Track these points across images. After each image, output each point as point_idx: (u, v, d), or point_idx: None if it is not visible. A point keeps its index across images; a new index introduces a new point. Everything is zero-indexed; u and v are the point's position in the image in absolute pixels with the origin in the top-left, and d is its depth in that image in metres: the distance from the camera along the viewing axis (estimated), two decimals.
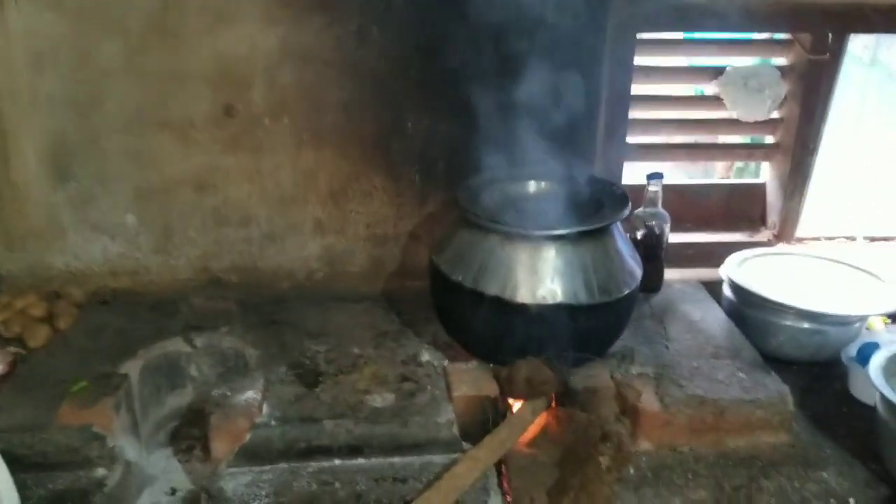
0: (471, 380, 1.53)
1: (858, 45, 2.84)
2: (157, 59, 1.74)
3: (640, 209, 1.89)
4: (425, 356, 1.65)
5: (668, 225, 1.90)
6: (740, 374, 1.57)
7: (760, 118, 2.15)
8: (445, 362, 1.61)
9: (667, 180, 1.91)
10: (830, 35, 2.04)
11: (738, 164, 2.78)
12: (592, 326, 1.49)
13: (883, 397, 1.38)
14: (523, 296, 1.45)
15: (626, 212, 1.54)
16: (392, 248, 1.97)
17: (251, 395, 1.47)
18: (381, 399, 1.50)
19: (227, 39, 1.74)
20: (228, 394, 1.46)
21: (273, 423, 1.42)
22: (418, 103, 1.85)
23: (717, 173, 2.92)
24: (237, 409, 1.42)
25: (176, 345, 1.67)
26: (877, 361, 1.43)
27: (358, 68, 1.80)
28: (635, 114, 2.07)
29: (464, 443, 1.44)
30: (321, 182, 1.89)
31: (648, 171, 1.91)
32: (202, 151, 1.82)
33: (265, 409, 1.45)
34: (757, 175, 2.56)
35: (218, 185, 1.86)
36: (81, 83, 1.74)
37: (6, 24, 1.69)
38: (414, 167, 1.90)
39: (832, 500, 1.36)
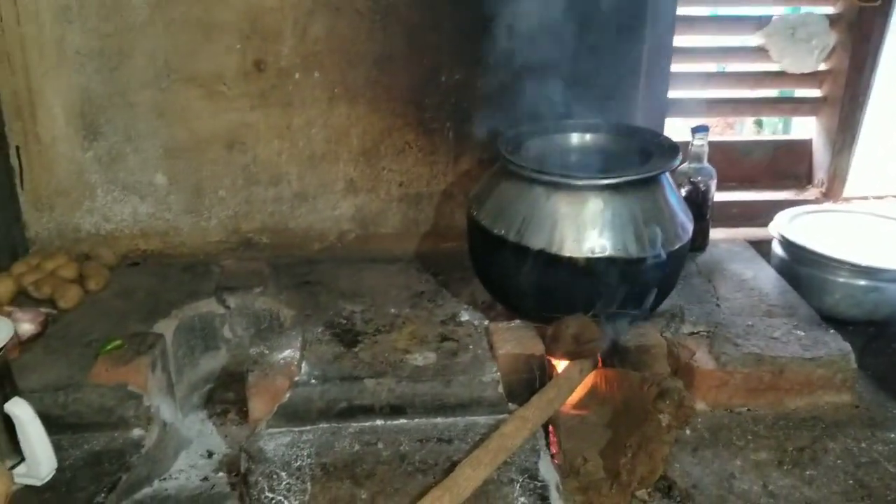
0: (515, 338, 1.47)
1: None
2: (185, 9, 1.68)
3: (685, 164, 1.81)
4: (465, 315, 1.60)
5: (715, 181, 1.82)
6: (798, 332, 1.50)
7: (808, 70, 2.07)
8: (487, 321, 1.56)
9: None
10: None
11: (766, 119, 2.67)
12: (642, 281, 1.42)
13: None
14: (570, 249, 1.38)
15: (678, 161, 1.47)
16: (425, 207, 1.92)
17: (289, 353, 1.42)
18: (422, 358, 1.45)
19: None
20: (266, 352, 1.42)
21: (313, 381, 1.37)
22: (453, 55, 1.78)
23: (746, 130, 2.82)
24: (275, 368, 1.38)
25: (209, 305, 1.63)
26: None
27: (391, 19, 1.74)
28: (677, 67, 1.99)
29: (510, 403, 1.38)
30: (353, 139, 1.83)
31: (690, 126, 1.83)
32: (231, 107, 1.77)
33: (304, 367, 1.41)
34: (787, 131, 2.48)
35: (247, 143, 1.80)
36: (108, 36, 1.68)
37: None
38: (448, 122, 1.84)
39: None
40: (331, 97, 1.79)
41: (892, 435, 1.36)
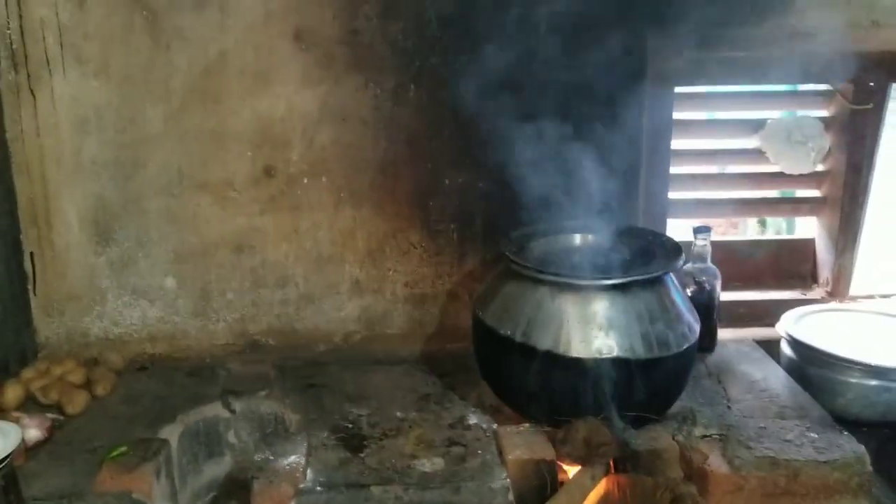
0: (524, 442, 1.45)
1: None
2: (198, 122, 1.75)
3: (689, 265, 1.82)
4: (472, 419, 1.58)
5: (720, 281, 1.83)
6: (811, 435, 1.47)
7: (805, 171, 2.10)
8: (495, 425, 1.54)
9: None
10: (872, 84, 2.00)
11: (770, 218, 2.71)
12: (651, 383, 1.41)
13: None
14: (577, 349, 1.39)
15: (682, 261, 1.49)
16: (431, 307, 1.92)
17: (294, 459, 1.40)
18: (429, 464, 1.42)
19: (267, 101, 1.76)
20: (271, 458, 1.39)
21: (318, 488, 1.34)
22: (455, 160, 1.83)
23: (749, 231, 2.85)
24: (280, 475, 1.35)
25: (214, 410, 1.62)
26: None
27: (395, 127, 1.80)
28: (676, 169, 2.03)
29: None
30: (359, 241, 1.86)
31: (692, 227, 1.86)
32: (241, 212, 1.81)
33: (309, 474, 1.38)
34: (791, 230, 2.51)
35: (256, 246, 1.84)
36: (124, 147, 1.75)
37: (53, 92, 1.71)
38: (452, 224, 1.87)
39: None
40: (337, 201, 1.83)
41: None
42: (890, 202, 2.15)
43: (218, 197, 1.79)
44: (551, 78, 1.75)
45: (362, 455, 1.45)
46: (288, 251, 1.85)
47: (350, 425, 1.56)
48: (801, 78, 2.05)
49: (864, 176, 2.08)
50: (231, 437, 1.63)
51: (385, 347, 1.92)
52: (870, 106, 2.02)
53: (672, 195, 2.03)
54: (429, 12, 1.74)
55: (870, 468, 1.40)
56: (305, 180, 1.82)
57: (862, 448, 1.43)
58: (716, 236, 1.92)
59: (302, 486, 1.35)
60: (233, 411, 1.63)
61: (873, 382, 1.66)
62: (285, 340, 1.90)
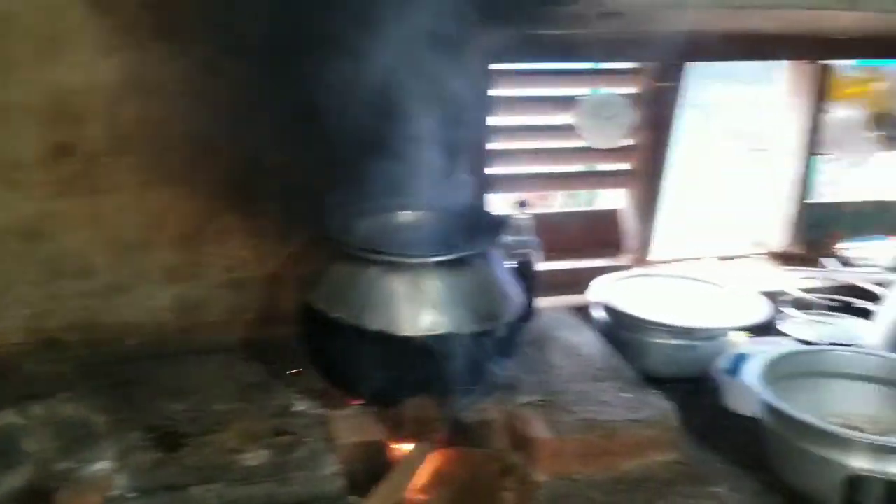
0: (355, 426, 1.43)
1: None
2: None
3: (510, 238, 1.87)
4: (300, 406, 1.53)
5: (539, 253, 1.90)
6: (624, 395, 1.57)
7: (614, 146, 2.22)
8: (324, 411, 1.50)
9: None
10: (673, 63, 2.14)
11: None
12: (480, 356, 1.43)
13: (766, 404, 1.42)
14: (408, 328, 1.39)
15: (505, 235, 1.52)
16: (253, 292, 1.83)
17: (102, 465, 1.29)
18: (255, 457, 1.36)
19: (61, 71, 1.58)
20: (75, 467, 1.28)
21: (131, 494, 1.25)
22: (277, 136, 1.74)
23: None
24: (87, 483, 1.24)
25: (7, 417, 1.44)
26: (754, 370, 1.47)
27: (209, 100, 1.68)
28: (496, 145, 2.08)
29: (352, 496, 1.32)
30: (171, 224, 1.73)
31: (514, 202, 1.91)
32: (31, 195, 1.62)
33: (120, 479, 1.28)
34: (591, 203, 2.67)
35: (51, 233, 1.65)
36: None
37: None
38: (274, 203, 1.79)
39: None
40: (145, 181, 1.69)
41: (717, 489, 1.43)
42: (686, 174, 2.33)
43: (2, 179, 1.59)
44: (372, 50, 1.71)
45: (180, 454, 1.36)
46: (89, 238, 1.69)
47: (166, 423, 1.46)
48: (610, 56, 2.16)
49: (664, 150, 2.24)
50: (30, 446, 1.47)
51: (204, 337, 1.80)
52: (671, 83, 2.17)
53: (492, 170, 2.07)
54: None
55: (677, 423, 1.51)
56: (108, 159, 1.66)
57: (669, 405, 1.54)
58: (534, 209, 1.99)
59: (113, 493, 1.24)
60: (30, 417, 1.46)
61: (676, 342, 1.80)
62: (90, 336, 1.73)
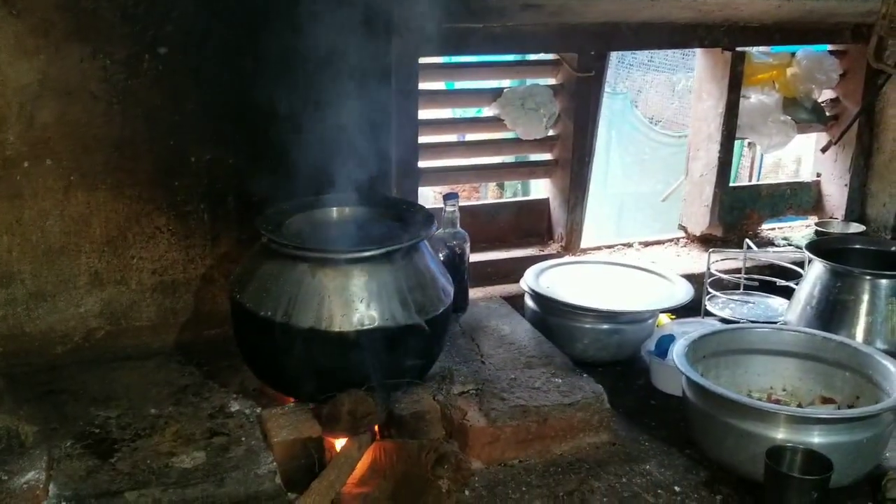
0: (290, 423, 1.43)
1: None
2: None
3: (440, 230, 1.90)
4: (235, 406, 1.53)
5: (469, 244, 1.93)
6: (556, 380, 1.61)
7: (539, 136, 2.27)
8: (259, 409, 1.50)
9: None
10: (593, 53, 2.19)
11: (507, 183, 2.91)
12: (412, 348, 1.46)
13: (690, 382, 1.48)
14: (339, 323, 1.39)
15: (434, 228, 1.54)
16: (183, 294, 1.81)
17: (32, 475, 1.26)
18: (189, 459, 1.36)
19: None
20: (5, 478, 1.24)
21: None
22: (202, 136, 1.72)
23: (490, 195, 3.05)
24: (16, 495, 1.21)
25: None
26: (678, 350, 1.53)
27: (130, 101, 1.65)
28: (424, 138, 2.09)
29: (289, 493, 1.33)
30: (96, 228, 1.70)
31: (442, 194, 1.93)
32: None
33: (52, 489, 1.26)
34: (526, 192, 2.71)
35: None
36: None
37: None
38: (201, 204, 1.77)
39: (659, 491, 1.43)
40: (67, 185, 1.65)
41: (647, 467, 1.49)
42: (603, 165, 2.39)
43: None
44: (298, 46, 1.71)
45: (113, 460, 1.34)
46: (10, 245, 1.64)
47: (97, 430, 1.44)
48: (533, 48, 2.19)
49: (588, 139, 2.29)
50: None
51: (134, 342, 1.77)
52: (592, 74, 2.22)
53: (420, 164, 2.09)
54: None
55: (608, 405, 1.56)
56: (26, 163, 1.61)
57: (600, 387, 1.59)
58: (461, 202, 2.01)
59: (44, 503, 1.22)
60: None
61: (604, 326, 1.85)
62: (15, 345, 1.68)
